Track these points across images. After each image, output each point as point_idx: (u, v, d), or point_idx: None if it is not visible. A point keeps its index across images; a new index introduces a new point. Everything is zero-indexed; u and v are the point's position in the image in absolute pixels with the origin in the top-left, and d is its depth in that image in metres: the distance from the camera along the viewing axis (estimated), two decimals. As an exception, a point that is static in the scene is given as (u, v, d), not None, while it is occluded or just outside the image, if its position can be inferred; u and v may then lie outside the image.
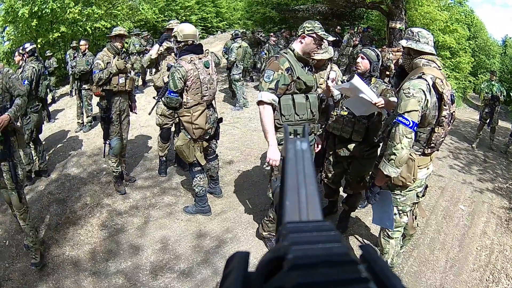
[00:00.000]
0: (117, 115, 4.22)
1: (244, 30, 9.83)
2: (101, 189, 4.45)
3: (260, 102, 2.78)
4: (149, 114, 4.28)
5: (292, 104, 2.82)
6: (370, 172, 3.13)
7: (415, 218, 2.95)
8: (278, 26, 16.13)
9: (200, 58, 3.45)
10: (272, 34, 11.61)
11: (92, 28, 11.46)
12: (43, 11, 10.23)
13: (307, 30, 2.76)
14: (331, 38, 2.84)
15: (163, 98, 3.62)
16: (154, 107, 4.28)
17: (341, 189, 3.79)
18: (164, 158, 4.80)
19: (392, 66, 8.13)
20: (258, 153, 5.65)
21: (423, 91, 2.23)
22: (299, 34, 2.83)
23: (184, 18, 16.39)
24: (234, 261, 0.30)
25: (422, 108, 2.25)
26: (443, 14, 12.57)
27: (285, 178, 0.34)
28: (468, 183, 5.59)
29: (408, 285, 3.09)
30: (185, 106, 3.44)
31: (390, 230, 2.66)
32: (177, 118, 4.54)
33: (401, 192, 2.54)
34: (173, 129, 4.71)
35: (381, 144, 3.25)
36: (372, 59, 3.14)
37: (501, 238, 4.06)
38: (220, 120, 3.80)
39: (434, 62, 2.40)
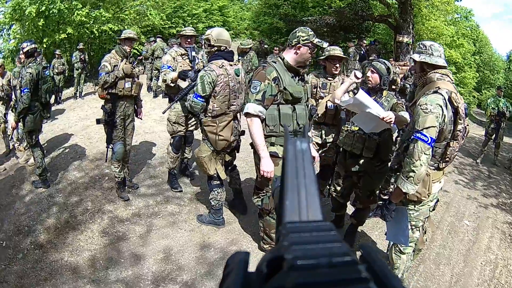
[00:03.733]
0: (121, 120, 4.13)
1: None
2: (103, 195, 4.37)
3: (247, 114, 2.69)
4: (163, 113, 4.25)
5: (277, 114, 2.72)
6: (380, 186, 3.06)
7: (425, 232, 2.90)
8: (285, 37, 16.11)
9: (231, 65, 3.33)
10: (275, 47, 11.60)
11: (99, 31, 11.45)
12: (51, 11, 10.21)
13: (302, 40, 2.65)
14: (325, 45, 2.77)
15: (186, 101, 3.42)
16: (169, 107, 4.19)
17: (348, 203, 3.72)
18: (175, 171, 4.53)
19: (398, 80, 8.11)
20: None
21: (441, 106, 2.19)
22: (292, 44, 2.70)
23: (191, 25, 16.46)
24: (234, 261, 0.30)
25: (439, 124, 2.20)
26: (449, 29, 12.64)
27: (285, 178, 0.34)
28: (473, 199, 5.56)
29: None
30: (210, 115, 3.25)
31: (402, 245, 2.61)
32: (190, 126, 4.45)
33: (415, 207, 2.50)
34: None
35: (391, 159, 3.21)
36: (382, 73, 3.02)
37: (505, 253, 4.05)
38: (243, 132, 3.58)
39: (448, 75, 2.36)
